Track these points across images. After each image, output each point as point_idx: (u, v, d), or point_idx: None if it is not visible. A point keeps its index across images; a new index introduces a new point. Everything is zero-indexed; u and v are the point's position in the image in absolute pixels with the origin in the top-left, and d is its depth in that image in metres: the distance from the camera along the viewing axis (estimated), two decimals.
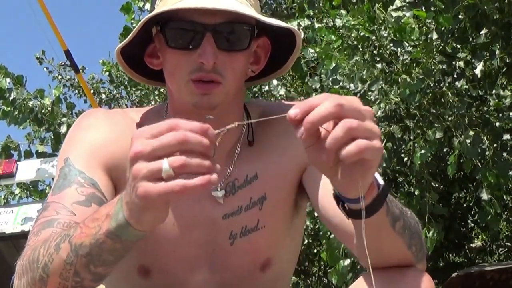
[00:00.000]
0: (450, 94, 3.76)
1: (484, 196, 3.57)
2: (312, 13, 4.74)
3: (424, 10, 3.62)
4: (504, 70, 3.94)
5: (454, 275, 4.09)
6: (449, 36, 3.70)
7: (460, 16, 3.60)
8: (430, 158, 4.07)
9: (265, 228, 1.31)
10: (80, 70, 5.05)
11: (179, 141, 0.87)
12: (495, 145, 3.79)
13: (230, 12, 1.17)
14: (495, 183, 3.52)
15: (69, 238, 1.04)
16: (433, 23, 3.57)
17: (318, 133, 0.92)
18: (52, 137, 5.29)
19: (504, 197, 5.14)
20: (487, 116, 3.96)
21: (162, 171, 0.87)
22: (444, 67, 3.76)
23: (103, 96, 7.94)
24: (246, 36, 1.22)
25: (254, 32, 1.24)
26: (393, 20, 3.55)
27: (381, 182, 1.03)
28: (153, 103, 6.82)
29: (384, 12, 3.62)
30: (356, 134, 0.89)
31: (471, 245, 6.40)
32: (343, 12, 4.23)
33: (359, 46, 3.82)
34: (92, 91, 7.35)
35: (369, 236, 1.08)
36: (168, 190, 0.87)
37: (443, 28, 3.56)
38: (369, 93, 3.76)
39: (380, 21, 3.66)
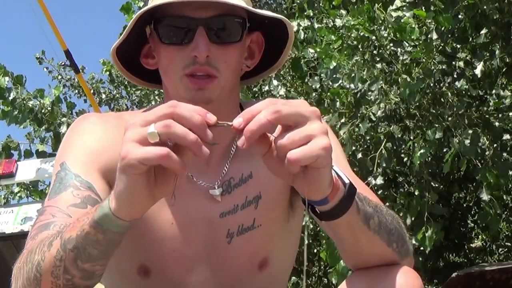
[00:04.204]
0: (450, 94, 3.76)
1: (484, 196, 3.56)
2: (312, 14, 4.74)
3: (424, 10, 3.62)
4: (504, 70, 3.93)
5: (454, 275, 4.08)
6: (449, 36, 3.70)
7: (460, 16, 3.59)
8: (429, 158, 4.07)
9: (261, 226, 1.31)
10: (80, 70, 5.06)
11: (171, 111, 0.89)
12: (495, 145, 3.79)
13: (221, 6, 1.19)
14: (494, 183, 3.51)
15: (61, 234, 1.04)
16: (433, 23, 3.56)
17: (269, 140, 0.94)
18: (52, 136, 5.28)
19: (504, 197, 5.14)
20: (487, 116, 3.95)
21: (148, 133, 0.89)
22: (444, 67, 3.76)
23: (103, 96, 7.95)
24: (238, 28, 1.23)
25: (245, 24, 1.25)
26: (393, 20, 3.55)
27: (347, 180, 1.04)
28: (153, 103, 6.83)
29: (384, 12, 3.62)
30: (291, 146, 0.91)
31: (471, 245, 6.40)
32: (343, 12, 4.24)
33: (359, 46, 3.82)
34: (92, 91, 7.36)
35: (345, 236, 1.11)
36: (148, 153, 0.88)
37: (443, 28, 3.56)
38: (369, 93, 3.77)
39: (380, 21, 3.66)
